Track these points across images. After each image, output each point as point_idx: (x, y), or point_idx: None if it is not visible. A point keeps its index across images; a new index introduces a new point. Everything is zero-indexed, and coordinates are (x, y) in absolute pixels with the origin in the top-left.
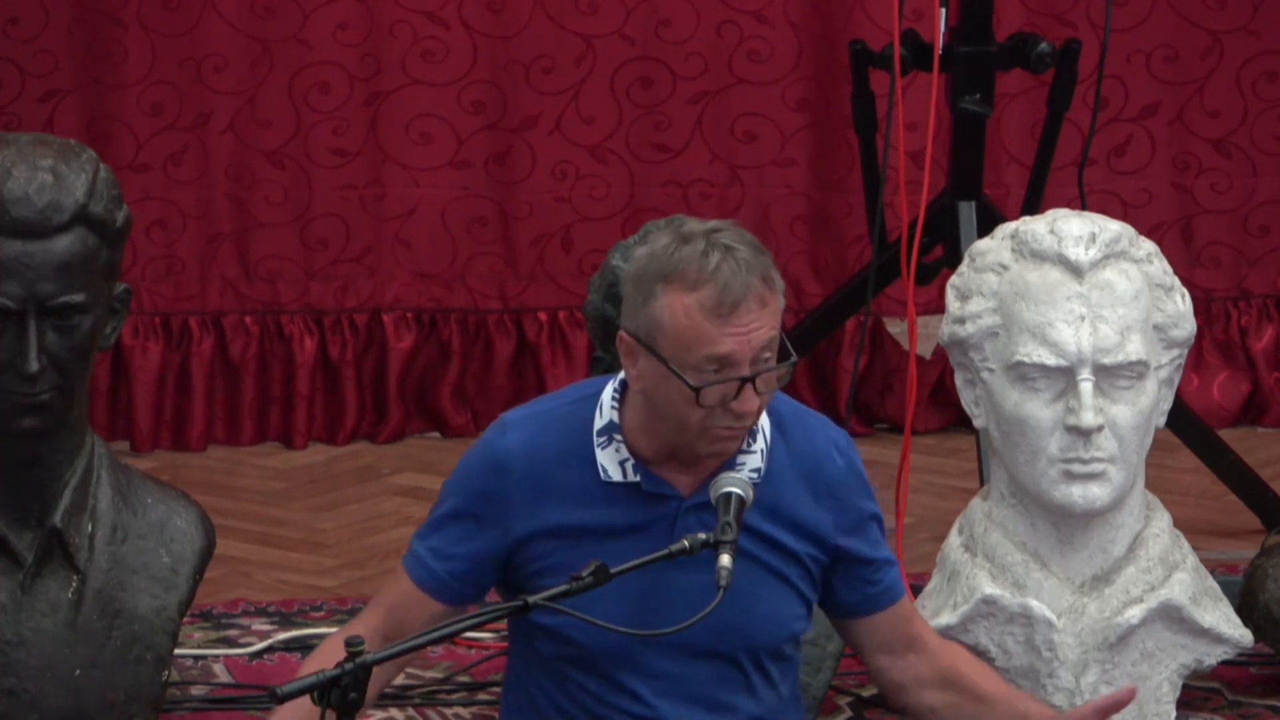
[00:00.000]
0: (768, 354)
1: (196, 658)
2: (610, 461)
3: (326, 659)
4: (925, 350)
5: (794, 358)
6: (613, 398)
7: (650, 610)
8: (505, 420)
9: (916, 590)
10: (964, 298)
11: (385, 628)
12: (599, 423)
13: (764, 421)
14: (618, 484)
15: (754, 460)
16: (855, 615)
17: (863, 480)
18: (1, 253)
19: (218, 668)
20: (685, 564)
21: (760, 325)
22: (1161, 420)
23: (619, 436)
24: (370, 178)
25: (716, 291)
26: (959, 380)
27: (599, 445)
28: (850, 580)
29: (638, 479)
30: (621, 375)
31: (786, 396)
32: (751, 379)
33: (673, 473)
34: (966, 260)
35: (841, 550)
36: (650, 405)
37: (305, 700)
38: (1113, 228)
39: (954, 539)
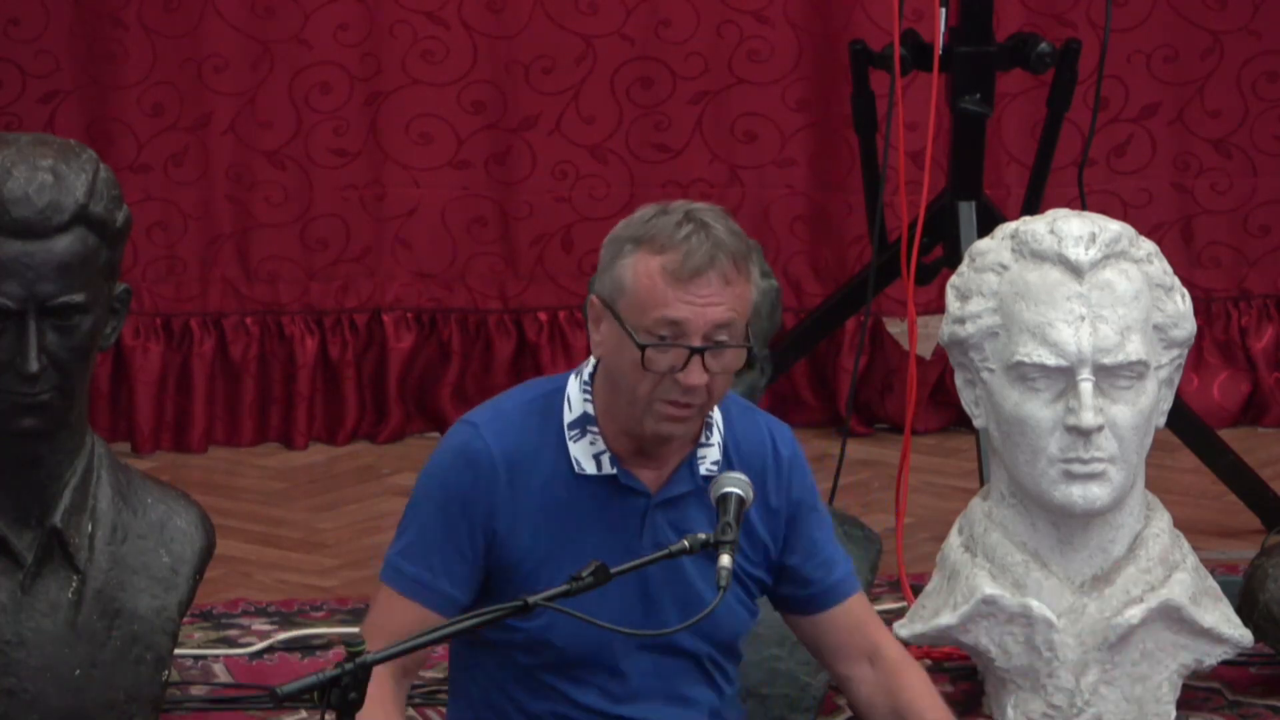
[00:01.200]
0: (724, 335)
1: (196, 658)
2: (584, 454)
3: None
4: (925, 350)
5: (751, 344)
6: (583, 390)
7: (628, 606)
8: (472, 421)
9: (916, 590)
10: (964, 298)
11: (406, 662)
12: (569, 416)
13: (717, 416)
14: (590, 477)
15: (713, 454)
16: (805, 612)
17: (808, 473)
18: (1, 253)
19: (218, 668)
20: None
21: (719, 302)
22: (1161, 420)
23: (594, 428)
24: (370, 178)
25: (679, 257)
26: (959, 380)
27: (571, 439)
28: (797, 575)
29: (613, 471)
30: (587, 370)
31: (730, 392)
32: (700, 351)
33: (640, 468)
34: (966, 260)
35: (790, 543)
36: (608, 378)
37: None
38: (1113, 228)
39: (954, 539)
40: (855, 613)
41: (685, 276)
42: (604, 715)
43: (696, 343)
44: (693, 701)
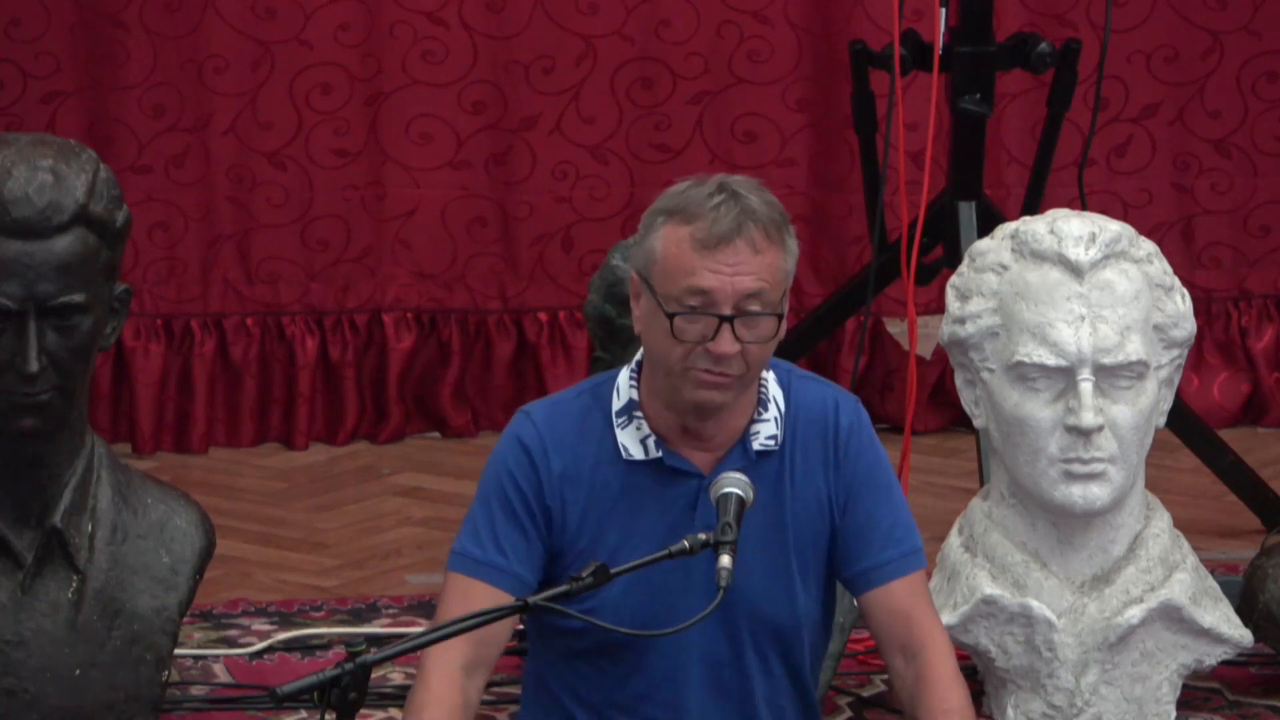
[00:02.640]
0: (754, 305)
1: (196, 658)
2: (631, 440)
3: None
4: (925, 350)
5: (782, 312)
6: (630, 378)
7: (669, 597)
8: (526, 409)
9: None
10: (964, 298)
11: (479, 654)
12: (617, 404)
13: (774, 390)
14: (639, 462)
15: (768, 428)
16: (854, 591)
17: (871, 445)
18: (1, 253)
19: (218, 668)
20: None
21: (748, 270)
22: (1161, 420)
23: (639, 414)
24: (371, 178)
25: (707, 225)
26: (959, 380)
27: (619, 425)
28: (848, 550)
29: (659, 454)
30: (637, 359)
31: (793, 365)
32: (729, 319)
33: (690, 450)
34: (966, 260)
35: (846, 517)
36: (647, 352)
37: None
38: (1113, 228)
39: (954, 539)
40: (896, 600)
41: (712, 244)
42: (654, 702)
43: (726, 311)
44: (748, 693)
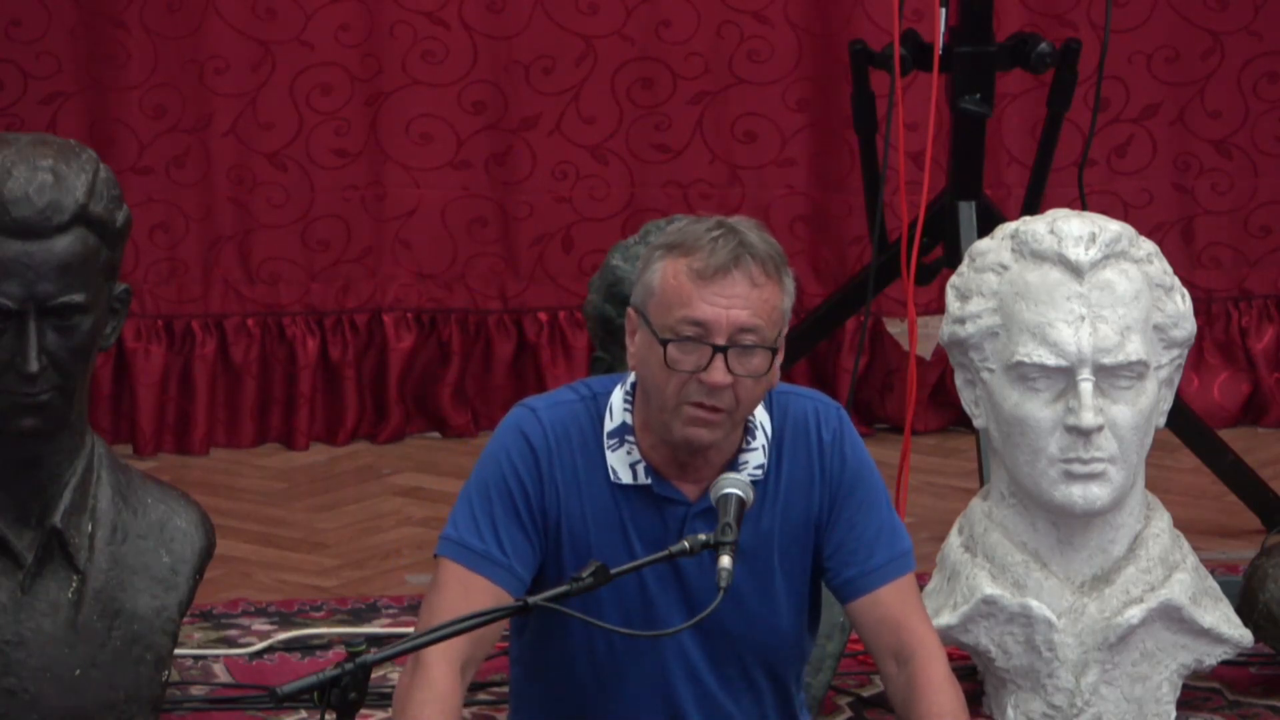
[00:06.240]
0: (751, 338)
1: (196, 658)
2: (621, 464)
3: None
4: (925, 350)
5: (778, 348)
6: (625, 400)
7: (664, 616)
8: (530, 405)
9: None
10: (964, 298)
11: (471, 653)
12: (610, 424)
13: (762, 416)
14: (626, 486)
15: (756, 457)
16: (840, 600)
17: (854, 453)
18: (1, 253)
19: (218, 668)
20: (706, 573)
21: (744, 305)
22: (1161, 420)
23: (631, 438)
24: (371, 178)
25: (705, 257)
26: (959, 380)
27: (609, 447)
28: (832, 560)
29: (648, 481)
30: (631, 379)
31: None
32: (723, 349)
33: (679, 479)
34: (966, 260)
35: (829, 527)
36: (641, 385)
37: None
38: (1113, 228)
39: (954, 539)
40: (885, 606)
41: (709, 275)
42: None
43: (720, 342)
44: (739, 714)
